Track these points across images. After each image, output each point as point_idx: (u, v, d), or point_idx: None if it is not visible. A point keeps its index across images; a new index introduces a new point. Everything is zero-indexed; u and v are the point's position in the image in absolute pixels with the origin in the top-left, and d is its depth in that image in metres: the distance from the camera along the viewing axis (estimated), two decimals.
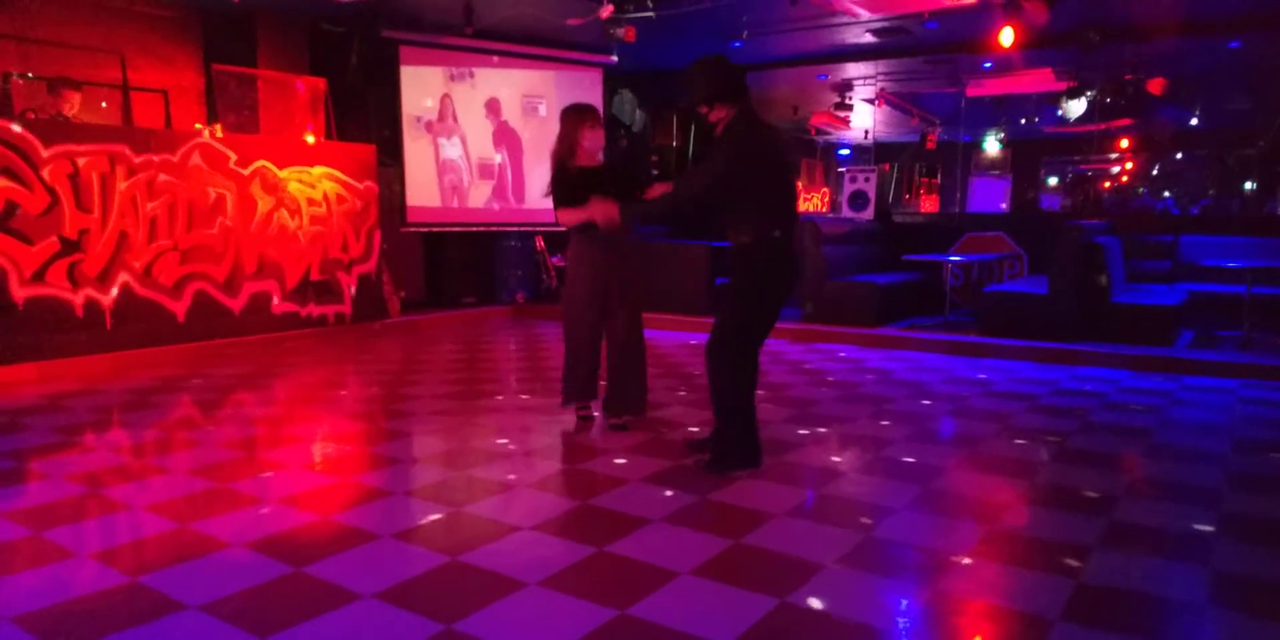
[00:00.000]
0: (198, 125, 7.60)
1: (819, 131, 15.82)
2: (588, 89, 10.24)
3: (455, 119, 9.50)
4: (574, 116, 4.51)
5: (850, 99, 12.55)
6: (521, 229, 10.16)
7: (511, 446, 4.41)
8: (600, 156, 4.62)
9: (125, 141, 6.53)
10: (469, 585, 2.75)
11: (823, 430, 4.69)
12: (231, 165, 7.18)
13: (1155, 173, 18.64)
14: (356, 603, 2.62)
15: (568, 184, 4.45)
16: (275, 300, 7.57)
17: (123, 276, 6.54)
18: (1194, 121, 14.38)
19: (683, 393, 5.63)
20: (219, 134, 7.15)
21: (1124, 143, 15.54)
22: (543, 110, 10.03)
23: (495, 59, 9.58)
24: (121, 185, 6.50)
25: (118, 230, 6.50)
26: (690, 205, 3.96)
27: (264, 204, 7.43)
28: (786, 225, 3.81)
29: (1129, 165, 18.23)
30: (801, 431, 4.66)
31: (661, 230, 10.21)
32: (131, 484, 3.77)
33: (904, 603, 2.68)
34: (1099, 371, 6.46)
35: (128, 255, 6.57)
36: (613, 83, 10.75)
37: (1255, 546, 3.14)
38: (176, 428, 4.76)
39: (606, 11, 7.64)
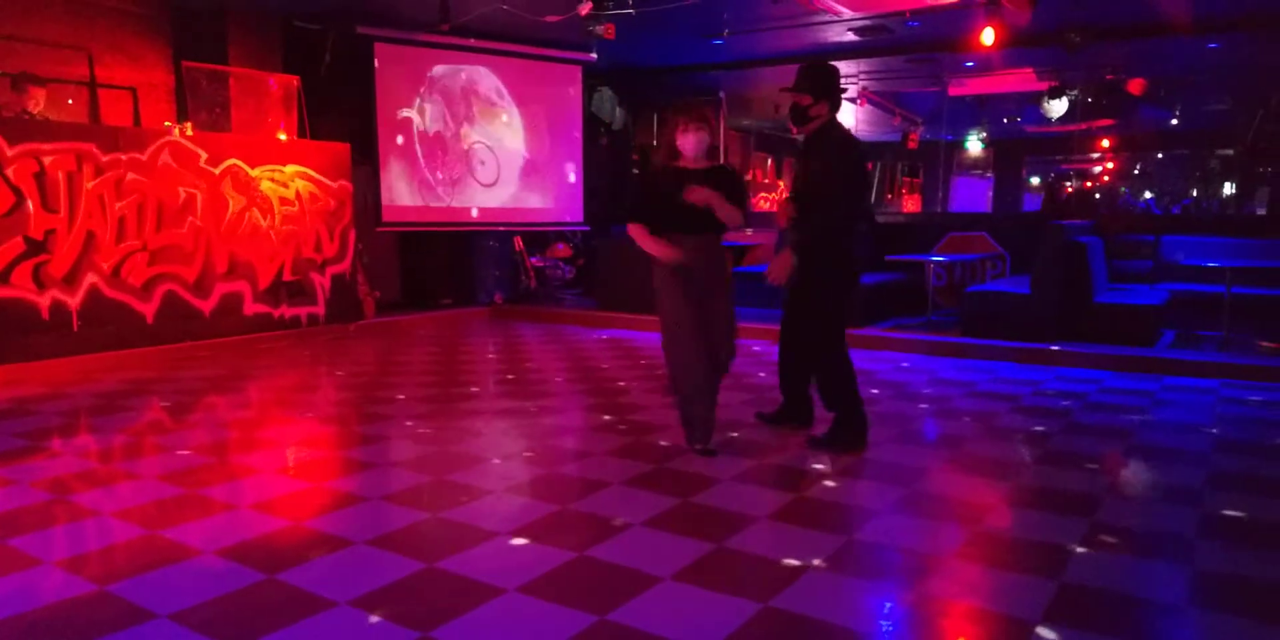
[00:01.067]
0: (167, 123, 7.45)
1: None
2: (567, 86, 10.18)
3: (434, 116, 9.39)
4: (669, 118, 4.12)
5: None
6: (500, 229, 10.06)
7: (489, 450, 4.34)
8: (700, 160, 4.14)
9: (93, 140, 6.39)
10: (446, 592, 2.69)
11: (805, 432, 4.64)
12: (202, 164, 7.04)
13: (1136, 172, 18.79)
14: (331, 610, 2.56)
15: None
16: (247, 301, 7.44)
17: (90, 278, 6.40)
18: (1174, 121, 14.48)
19: (657, 395, 5.58)
20: (189, 132, 7.01)
21: (1105, 142, 15.62)
22: (529, 108, 9.94)
23: (472, 56, 9.49)
24: (89, 184, 6.36)
25: (85, 230, 6.36)
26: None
27: (235, 203, 7.30)
28: (865, 220, 4.22)
29: (1110, 165, 18.36)
30: (784, 433, 4.61)
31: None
32: (99, 490, 3.68)
33: (888, 606, 2.65)
34: (1081, 372, 6.45)
35: (95, 256, 6.43)
36: (592, 80, 10.68)
37: (1237, 546, 3.14)
38: (146, 432, 4.65)
39: (585, 8, 7.56)
